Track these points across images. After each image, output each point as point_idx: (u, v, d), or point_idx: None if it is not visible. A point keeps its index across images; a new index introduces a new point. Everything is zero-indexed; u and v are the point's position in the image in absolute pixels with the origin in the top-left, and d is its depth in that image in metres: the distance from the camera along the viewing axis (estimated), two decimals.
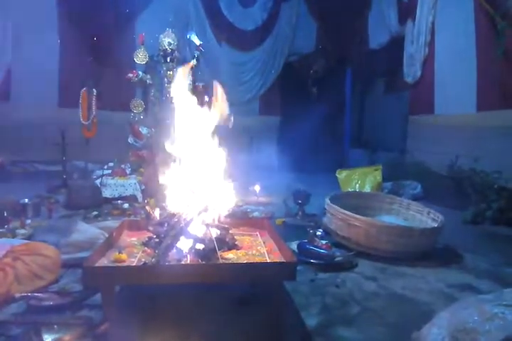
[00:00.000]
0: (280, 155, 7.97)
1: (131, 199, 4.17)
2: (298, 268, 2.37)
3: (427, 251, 2.67)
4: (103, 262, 1.61)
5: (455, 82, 4.95)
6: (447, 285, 2.23)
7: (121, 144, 4.94)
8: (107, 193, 4.23)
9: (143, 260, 1.63)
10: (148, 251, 1.74)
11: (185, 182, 1.83)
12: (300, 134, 7.53)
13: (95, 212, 3.69)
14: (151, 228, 1.79)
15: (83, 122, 4.37)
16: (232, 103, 7.49)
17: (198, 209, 1.72)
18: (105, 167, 4.57)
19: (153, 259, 1.54)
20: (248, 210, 3.92)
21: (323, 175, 5.73)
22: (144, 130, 4.66)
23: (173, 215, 1.76)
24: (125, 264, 1.59)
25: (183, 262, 1.61)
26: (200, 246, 1.65)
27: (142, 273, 1.48)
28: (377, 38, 6.82)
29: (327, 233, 2.94)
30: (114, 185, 4.27)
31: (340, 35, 7.55)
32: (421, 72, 5.64)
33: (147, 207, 1.90)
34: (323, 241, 2.75)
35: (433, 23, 5.37)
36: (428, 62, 5.50)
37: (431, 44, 5.44)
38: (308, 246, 2.56)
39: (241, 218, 2.40)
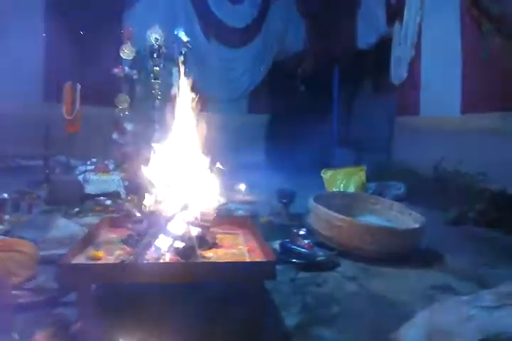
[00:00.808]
0: (267, 153, 7.99)
1: (114, 195, 4.12)
2: (279, 267, 2.38)
3: (408, 252, 2.68)
4: (80, 259, 1.58)
5: (440, 84, 4.99)
6: (428, 286, 2.24)
7: (105, 140, 4.88)
8: (89, 189, 4.16)
9: (121, 258, 1.60)
10: (128, 248, 1.71)
11: (166, 178, 1.80)
12: (288, 133, 7.54)
13: (77, 208, 3.64)
14: (130, 225, 1.76)
15: (67, 117, 4.30)
16: (219, 100, 7.49)
17: (178, 207, 1.70)
18: (88, 163, 4.51)
19: (131, 257, 1.52)
20: (232, 209, 3.90)
21: (311, 174, 5.72)
22: (128, 126, 4.60)
23: (153, 213, 1.73)
24: (101, 262, 1.56)
25: (161, 260, 1.58)
26: (179, 245, 1.63)
27: (118, 271, 1.45)
28: (366, 38, 6.83)
29: (310, 232, 2.94)
30: (96, 181, 4.21)
31: (328, 34, 7.56)
32: (407, 74, 5.68)
33: (127, 204, 1.87)
34: (306, 241, 2.73)
35: (420, 25, 5.41)
36: (415, 63, 5.54)
37: (418, 46, 5.47)
38: (290, 246, 2.55)
39: (224, 216, 2.37)
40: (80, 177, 4.21)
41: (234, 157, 7.20)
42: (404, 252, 2.65)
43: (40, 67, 6.57)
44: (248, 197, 4.59)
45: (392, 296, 2.09)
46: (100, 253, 1.61)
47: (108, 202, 3.84)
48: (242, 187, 4.78)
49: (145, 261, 1.53)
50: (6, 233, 2.66)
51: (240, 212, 3.79)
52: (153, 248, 1.62)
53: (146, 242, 1.60)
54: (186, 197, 1.74)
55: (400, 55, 5.82)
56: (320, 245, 2.77)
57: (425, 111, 5.39)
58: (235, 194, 4.69)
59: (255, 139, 7.76)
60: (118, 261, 1.52)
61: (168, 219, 1.65)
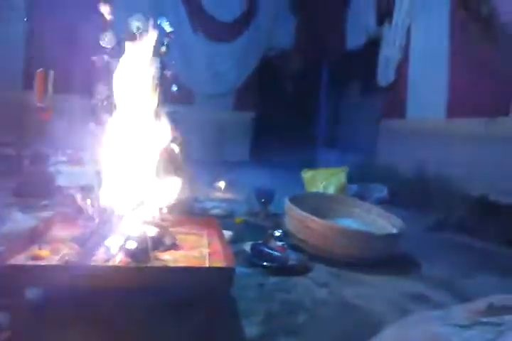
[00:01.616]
0: (252, 151, 7.86)
1: (87, 189, 3.94)
2: (248, 271, 2.28)
3: (384, 258, 2.57)
4: (19, 259, 1.44)
5: (427, 87, 4.92)
6: (401, 295, 2.14)
7: (81, 130, 4.69)
8: (61, 181, 3.99)
9: (66, 258, 1.46)
10: (76, 248, 1.56)
11: (122, 172, 1.66)
12: (273, 131, 7.43)
13: (45, 202, 3.47)
14: (81, 222, 1.62)
15: (38, 104, 4.12)
16: (205, 95, 7.35)
17: (133, 204, 1.56)
18: (60, 153, 4.32)
19: (76, 258, 1.38)
20: (208, 207, 3.76)
21: (294, 174, 5.62)
22: (105, 117, 4.42)
23: (106, 209, 1.59)
24: (42, 262, 1.41)
25: (110, 262, 1.44)
26: (131, 245, 1.49)
27: (58, 274, 1.31)
28: (355, 38, 6.74)
29: (286, 234, 2.82)
30: (69, 173, 4.03)
31: (317, 33, 7.46)
32: (395, 76, 5.60)
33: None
34: (279, 243, 2.62)
35: (409, 27, 5.32)
36: (403, 65, 5.46)
37: (406, 48, 5.39)
38: (261, 248, 2.43)
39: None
40: (52, 169, 4.03)
41: (217, 153, 7.10)
42: (379, 258, 2.54)
43: (21, 54, 6.35)
44: (227, 195, 4.47)
45: (363, 305, 1.98)
46: (43, 252, 1.47)
47: (79, 195, 3.66)
48: (222, 184, 4.66)
49: (90, 263, 1.40)
50: None
51: (216, 211, 3.65)
52: (102, 248, 1.48)
53: (96, 241, 1.46)
54: (143, 193, 1.60)
55: (388, 56, 5.74)
56: (294, 248, 2.66)
57: (411, 113, 5.32)
58: (213, 191, 4.57)
59: (240, 137, 7.63)
60: (59, 262, 1.38)
61: (121, 217, 1.52)
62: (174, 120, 4.46)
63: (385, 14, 5.82)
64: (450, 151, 4.37)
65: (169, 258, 1.58)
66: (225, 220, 3.27)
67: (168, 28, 4.87)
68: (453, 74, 4.48)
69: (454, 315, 1.24)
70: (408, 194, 4.60)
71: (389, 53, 5.69)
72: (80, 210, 1.73)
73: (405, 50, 5.39)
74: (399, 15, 5.41)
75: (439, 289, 2.26)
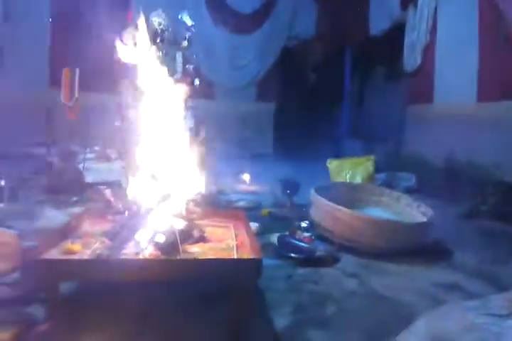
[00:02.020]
0: (275, 142, 7.82)
1: (115, 184, 4.02)
2: (276, 262, 2.27)
3: (414, 248, 2.52)
4: (53, 253, 1.47)
5: (455, 71, 4.77)
6: (433, 285, 2.09)
7: (108, 128, 4.77)
8: (90, 178, 4.08)
9: (98, 252, 1.49)
10: (107, 242, 1.59)
11: (149, 166, 1.68)
12: (296, 121, 7.38)
13: (75, 198, 3.55)
14: (110, 217, 1.64)
15: (65, 103, 4.20)
16: (227, 87, 7.34)
17: (160, 197, 1.57)
18: (88, 150, 4.41)
19: (106, 252, 1.40)
20: (234, 199, 3.77)
21: (318, 164, 5.56)
22: (131, 113, 4.47)
23: (135, 203, 1.61)
24: (74, 257, 1.44)
25: (140, 256, 1.46)
26: (160, 239, 1.51)
27: (90, 268, 1.33)
28: (379, 24, 6.57)
29: (313, 225, 2.80)
30: (97, 170, 4.12)
31: (340, 19, 7.31)
32: (421, 60, 5.45)
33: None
34: (306, 234, 2.60)
35: (435, 9, 5.16)
36: (429, 50, 5.31)
37: (432, 31, 5.23)
38: (288, 239, 2.42)
39: (216, 208, 2.24)
40: (81, 166, 4.12)
41: (241, 146, 7.09)
42: (409, 247, 2.49)
43: (46, 54, 6.48)
44: (252, 188, 4.47)
45: (393, 295, 1.95)
46: (76, 247, 1.50)
47: (108, 191, 3.73)
48: (247, 177, 4.66)
49: (121, 257, 1.42)
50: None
51: (242, 203, 3.66)
52: (132, 242, 1.50)
53: (125, 235, 1.48)
54: (169, 187, 1.61)
55: (413, 41, 5.58)
56: (321, 238, 2.64)
57: (439, 99, 5.17)
58: (238, 184, 4.58)
59: (263, 128, 7.60)
60: (92, 256, 1.41)
61: (150, 211, 1.53)
62: (197, 115, 4.49)
63: None
64: (481, 137, 4.24)
65: (198, 250, 1.59)
66: (251, 212, 3.27)
67: (189, 22, 4.88)
68: (483, 57, 4.33)
69: (491, 304, 1.21)
70: (437, 182, 4.50)
71: (414, 38, 5.53)
72: (109, 205, 1.76)
73: (431, 34, 5.23)
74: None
75: (473, 278, 2.21)
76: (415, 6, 5.49)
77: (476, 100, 4.42)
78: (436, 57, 5.19)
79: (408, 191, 4.30)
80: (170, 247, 1.50)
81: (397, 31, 5.95)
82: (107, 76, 5.69)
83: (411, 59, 5.65)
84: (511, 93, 3.88)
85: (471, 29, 4.44)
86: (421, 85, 5.53)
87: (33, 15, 6.23)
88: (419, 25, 5.45)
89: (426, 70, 5.35)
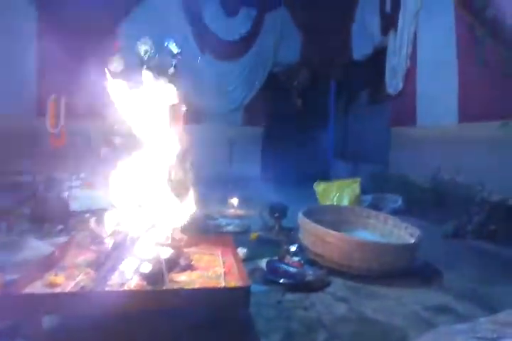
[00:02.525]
0: (263, 166, 7.86)
1: (100, 212, 3.97)
2: (265, 288, 2.24)
3: (403, 269, 2.52)
4: (36, 286, 1.44)
5: (437, 94, 4.88)
6: (424, 308, 2.08)
7: (94, 154, 4.75)
8: (75, 206, 4.02)
9: (81, 284, 1.46)
10: (91, 273, 1.56)
11: (133, 194, 1.67)
12: (283, 145, 7.44)
13: (61, 226, 3.49)
14: (94, 247, 1.62)
15: (51, 131, 4.19)
16: (214, 113, 7.40)
17: (145, 226, 1.56)
18: (74, 178, 4.37)
19: (90, 284, 1.37)
20: (222, 224, 3.75)
21: (306, 187, 5.59)
22: (117, 139, 4.47)
23: (119, 232, 1.59)
24: (58, 289, 1.41)
25: (125, 287, 1.44)
26: (146, 268, 1.48)
27: (73, 301, 1.30)
28: (361, 49, 6.76)
29: (301, 249, 2.79)
30: (82, 197, 4.07)
31: (324, 46, 7.50)
32: (403, 84, 5.58)
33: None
34: (295, 258, 2.59)
35: (415, 34, 5.33)
36: (410, 73, 5.45)
37: (413, 55, 5.39)
38: (277, 264, 2.40)
39: (204, 233, 2.23)
40: (66, 194, 4.07)
41: (228, 169, 7.11)
42: (399, 269, 2.49)
43: (34, 81, 6.50)
44: (240, 211, 4.45)
45: (384, 319, 1.93)
46: (59, 279, 1.47)
47: (93, 219, 3.68)
48: (235, 201, 4.65)
49: (106, 288, 1.39)
50: None
51: (230, 227, 3.64)
52: (117, 272, 1.47)
53: (110, 266, 1.45)
54: (154, 215, 1.60)
55: (395, 65, 5.73)
56: (310, 262, 2.62)
57: (422, 121, 5.28)
58: (226, 208, 4.56)
59: (250, 152, 7.64)
60: (75, 289, 1.38)
61: (135, 240, 1.51)
62: (183, 140, 4.49)
63: (389, 24, 5.84)
64: (464, 157, 4.31)
65: (185, 279, 1.57)
66: (239, 236, 3.25)
67: (175, 50, 4.98)
68: (462, 79, 4.45)
69: (479, 327, 1.21)
70: (424, 202, 4.54)
71: (395, 62, 5.68)
72: (93, 235, 1.73)
73: (412, 59, 5.38)
74: (404, 25, 5.42)
75: (463, 300, 2.20)
76: (395, 31, 5.66)
77: (457, 121, 4.51)
78: (418, 80, 5.33)
79: (395, 212, 4.32)
80: (156, 277, 1.47)
81: (380, 55, 6.11)
82: (94, 103, 5.74)
83: (393, 82, 5.78)
84: (491, 114, 3.97)
85: (449, 53, 4.58)
86: (404, 108, 5.65)
87: (19, 42, 6.29)
88: (400, 51, 5.60)
89: (408, 93, 5.47)
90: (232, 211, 4.46)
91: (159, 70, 5.05)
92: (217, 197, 4.99)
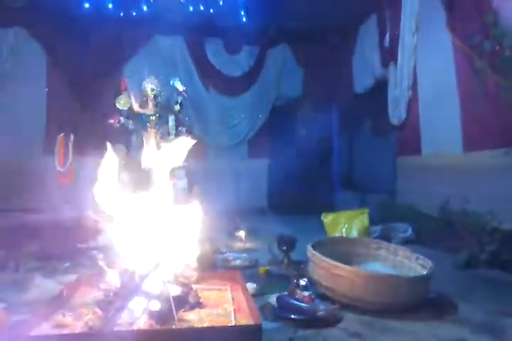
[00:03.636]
0: (269, 198, 7.86)
1: (108, 249, 3.95)
2: (276, 325, 2.19)
3: (417, 301, 2.46)
4: (45, 327, 1.42)
5: (440, 123, 4.93)
6: None
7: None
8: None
9: (90, 324, 1.44)
10: (99, 312, 1.54)
11: (140, 234, 1.67)
12: (289, 177, 7.45)
13: (67, 263, 3.47)
14: (102, 285, 1.60)
15: (59, 168, 4.26)
16: (219, 147, 7.50)
17: (153, 264, 1.55)
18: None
19: (99, 323, 1.35)
20: (230, 258, 3.71)
21: (313, 219, 5.56)
22: (124, 176, 4.52)
23: (126, 270, 1.58)
24: (66, 330, 1.39)
25: (134, 326, 1.41)
26: (155, 306, 1.46)
27: None
28: (362, 81, 6.91)
29: (312, 283, 2.74)
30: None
31: (325, 79, 7.68)
32: (406, 114, 5.64)
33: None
34: (306, 293, 2.54)
35: (414, 67, 5.44)
36: (412, 104, 5.52)
37: (414, 86, 5.47)
38: (287, 300, 2.35)
39: (212, 269, 2.20)
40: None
41: (235, 202, 7.10)
42: (412, 302, 2.43)
43: (43, 122, 6.68)
44: (248, 245, 4.42)
45: None
46: (67, 320, 1.46)
47: (100, 256, 3.66)
48: (242, 234, 4.62)
49: (114, 328, 1.37)
50: None
51: (238, 262, 3.59)
52: (126, 311, 1.45)
53: (118, 305, 1.44)
54: (160, 253, 1.60)
55: (396, 96, 5.82)
56: (321, 297, 2.57)
57: (427, 150, 5.29)
58: (234, 241, 4.53)
59: (256, 184, 7.67)
60: (84, 329, 1.36)
61: (143, 278, 1.50)
62: (189, 174, 4.53)
63: (389, 55, 5.99)
64: (473, 185, 4.28)
65: (194, 317, 1.54)
66: (247, 271, 3.21)
67: (180, 87, 5.11)
68: (464, 108, 4.49)
69: None
70: (434, 232, 4.48)
71: (397, 94, 5.77)
72: (101, 272, 1.72)
73: (413, 89, 5.47)
74: (403, 56, 5.55)
75: (480, 332, 2.13)
76: (395, 63, 5.79)
77: (462, 150, 4.52)
78: (420, 110, 5.39)
79: (406, 242, 4.28)
80: (165, 315, 1.46)
81: (381, 86, 6.22)
82: (101, 141, 5.83)
83: (396, 113, 5.85)
84: (495, 142, 3.99)
85: (450, 83, 4.65)
86: (408, 138, 5.68)
87: (30, 84, 6.50)
88: (401, 82, 5.71)
89: (411, 123, 5.52)
90: (239, 244, 4.43)
91: (165, 107, 5.19)
92: (224, 230, 4.97)
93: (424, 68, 5.32)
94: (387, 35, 5.97)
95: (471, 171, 4.36)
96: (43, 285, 2.19)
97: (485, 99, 4.04)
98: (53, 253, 3.72)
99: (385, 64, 6.15)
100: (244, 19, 7.57)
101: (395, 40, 5.66)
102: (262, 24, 7.42)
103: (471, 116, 4.40)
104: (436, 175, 4.95)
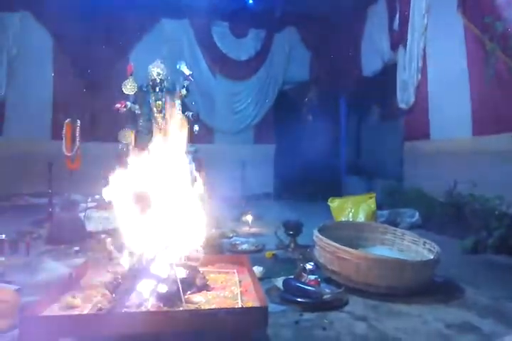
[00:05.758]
0: (276, 183, 7.86)
1: (116, 233, 3.99)
2: (282, 308, 2.21)
3: (423, 286, 2.47)
4: (53, 308, 1.44)
5: (449, 107, 4.86)
6: (446, 325, 2.02)
7: (108, 175, 4.80)
8: (91, 227, 4.05)
9: (99, 306, 1.46)
10: (108, 294, 1.56)
11: (148, 217, 1.68)
12: (296, 162, 7.43)
13: (77, 247, 3.51)
14: (110, 268, 1.62)
15: (66, 154, 4.27)
16: (226, 132, 7.47)
17: (160, 247, 1.56)
18: (89, 199, 4.42)
19: (107, 305, 1.37)
20: (237, 242, 3.73)
21: (320, 204, 5.56)
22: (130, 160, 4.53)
23: (134, 253, 1.60)
24: (75, 311, 1.41)
25: (143, 308, 1.43)
26: (162, 289, 1.48)
27: (91, 323, 1.30)
28: (371, 65, 6.80)
29: (318, 267, 2.75)
30: (98, 218, 4.10)
31: (333, 63, 7.58)
32: (414, 98, 5.57)
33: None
34: (312, 277, 2.55)
35: (424, 49, 5.34)
36: (421, 87, 5.44)
37: (423, 69, 5.39)
38: (294, 283, 2.36)
39: (219, 252, 2.22)
40: (82, 215, 4.11)
41: (242, 187, 7.12)
42: (418, 286, 2.44)
43: (49, 108, 6.69)
44: (254, 229, 4.44)
45: (405, 338, 1.88)
46: (76, 301, 1.48)
47: (109, 240, 3.70)
48: (249, 218, 4.63)
49: (123, 310, 1.39)
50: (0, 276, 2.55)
51: (245, 246, 3.62)
52: (134, 293, 1.47)
53: (126, 287, 1.45)
54: (168, 236, 1.61)
55: (405, 79, 5.74)
56: (328, 281, 2.59)
57: (435, 134, 5.24)
58: (240, 226, 4.55)
59: (263, 169, 7.66)
60: (93, 311, 1.38)
61: (150, 261, 1.51)
62: (196, 158, 4.53)
63: (398, 38, 5.88)
64: (481, 170, 4.24)
65: (201, 299, 1.55)
66: (254, 255, 3.23)
67: (187, 71, 5.07)
68: (474, 91, 4.42)
69: None
70: (441, 217, 4.46)
71: (406, 77, 5.69)
72: (110, 255, 1.74)
73: (422, 73, 5.39)
74: (413, 39, 5.45)
75: (486, 316, 2.14)
76: (404, 46, 5.69)
77: (471, 134, 4.47)
78: (429, 94, 5.31)
79: (412, 227, 4.27)
80: (172, 297, 1.47)
81: (390, 71, 6.13)
82: (108, 126, 5.85)
83: (405, 97, 5.78)
84: (505, 126, 3.93)
85: (460, 66, 4.57)
86: (416, 122, 5.62)
87: (37, 69, 6.50)
88: (410, 65, 5.62)
89: (420, 107, 5.45)
90: (246, 229, 4.45)
91: (171, 92, 5.15)
92: (231, 215, 4.99)
93: (434, 51, 5.22)
94: (397, 16, 5.84)
95: (479, 156, 4.31)
96: (53, 268, 2.22)
97: (496, 82, 3.97)
98: (63, 237, 3.76)
99: (394, 47, 6.05)
100: (250, 1, 7.45)
101: (404, 22, 5.55)
102: (268, 7, 7.31)
103: (482, 99, 4.33)
104: (444, 159, 4.90)
